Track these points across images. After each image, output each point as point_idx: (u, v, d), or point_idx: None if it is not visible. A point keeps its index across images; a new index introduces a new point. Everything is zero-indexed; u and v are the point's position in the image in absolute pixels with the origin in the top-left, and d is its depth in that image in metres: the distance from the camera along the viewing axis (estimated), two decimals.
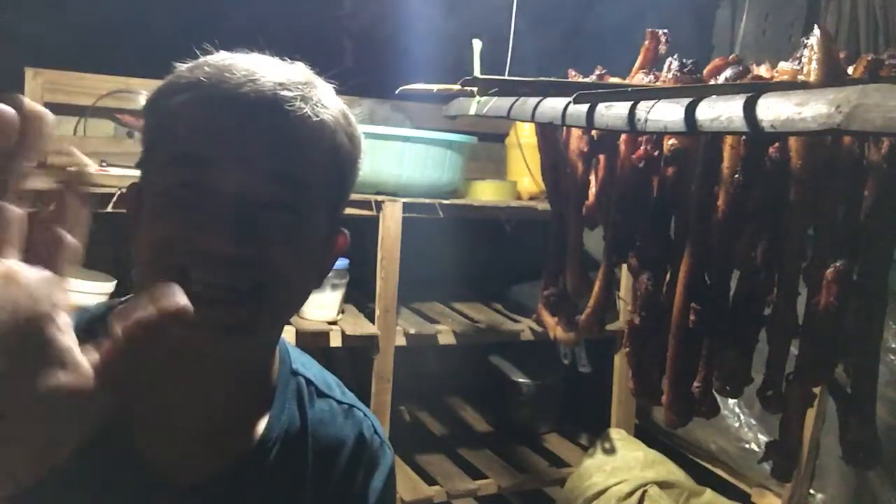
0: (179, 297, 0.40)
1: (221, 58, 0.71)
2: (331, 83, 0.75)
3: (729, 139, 1.03)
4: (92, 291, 1.62)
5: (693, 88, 0.98)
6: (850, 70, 0.93)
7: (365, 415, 0.88)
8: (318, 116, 0.70)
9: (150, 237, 0.68)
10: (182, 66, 0.72)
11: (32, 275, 0.36)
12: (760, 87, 0.86)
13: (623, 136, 1.23)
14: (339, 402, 0.86)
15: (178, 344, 0.68)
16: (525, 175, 2.18)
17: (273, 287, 0.69)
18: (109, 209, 1.52)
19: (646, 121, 0.96)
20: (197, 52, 0.73)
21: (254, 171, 0.67)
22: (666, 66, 1.13)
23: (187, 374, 0.72)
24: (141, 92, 1.98)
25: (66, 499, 0.70)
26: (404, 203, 1.85)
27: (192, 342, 0.67)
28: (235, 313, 0.67)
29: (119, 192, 1.54)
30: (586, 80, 1.27)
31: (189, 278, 0.66)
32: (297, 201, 0.70)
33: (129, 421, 0.72)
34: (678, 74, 1.10)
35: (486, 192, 2.11)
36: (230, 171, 0.67)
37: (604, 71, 1.28)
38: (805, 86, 0.87)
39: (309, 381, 0.84)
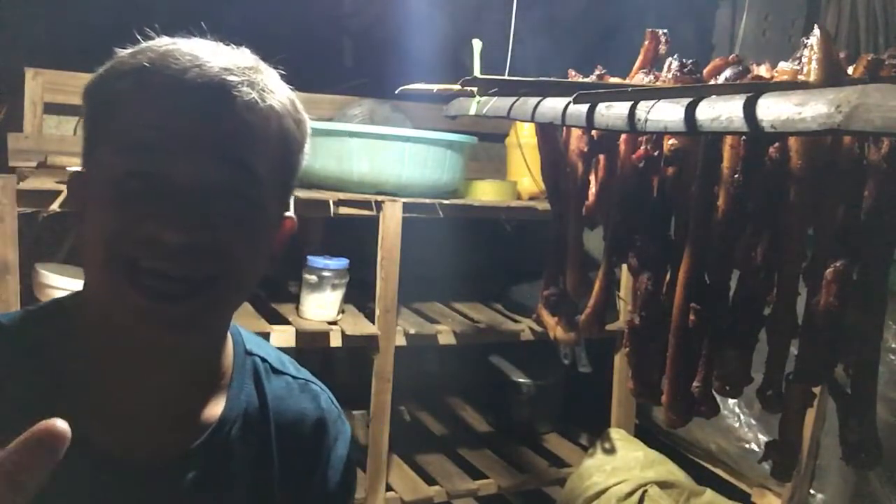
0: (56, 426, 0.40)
1: (164, 43, 0.71)
2: (279, 70, 0.75)
3: (729, 139, 1.03)
4: None
5: (693, 88, 0.98)
6: (850, 70, 0.93)
7: (321, 389, 0.90)
8: (265, 101, 0.69)
9: (99, 229, 0.67)
10: (123, 52, 0.71)
11: None
12: (760, 87, 0.86)
13: (623, 136, 1.23)
14: (295, 378, 0.87)
15: (130, 336, 0.68)
16: (525, 175, 2.18)
17: (225, 276, 0.69)
18: None
19: (646, 121, 0.96)
20: (139, 38, 0.72)
21: (202, 158, 0.67)
22: (666, 66, 1.13)
23: (141, 362, 0.72)
24: None
25: None
26: (404, 203, 1.85)
27: (144, 334, 0.68)
28: (187, 304, 0.67)
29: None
30: (586, 80, 1.27)
31: (139, 269, 0.65)
32: (247, 187, 0.69)
33: (84, 407, 0.71)
34: (678, 74, 1.10)
35: (486, 192, 2.11)
36: (178, 158, 0.66)
37: (604, 71, 1.28)
38: (805, 86, 0.87)
39: (264, 359, 0.85)
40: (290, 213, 0.80)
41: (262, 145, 0.71)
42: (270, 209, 0.74)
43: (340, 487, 0.88)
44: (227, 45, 0.72)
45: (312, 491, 0.86)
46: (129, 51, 0.71)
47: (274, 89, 0.72)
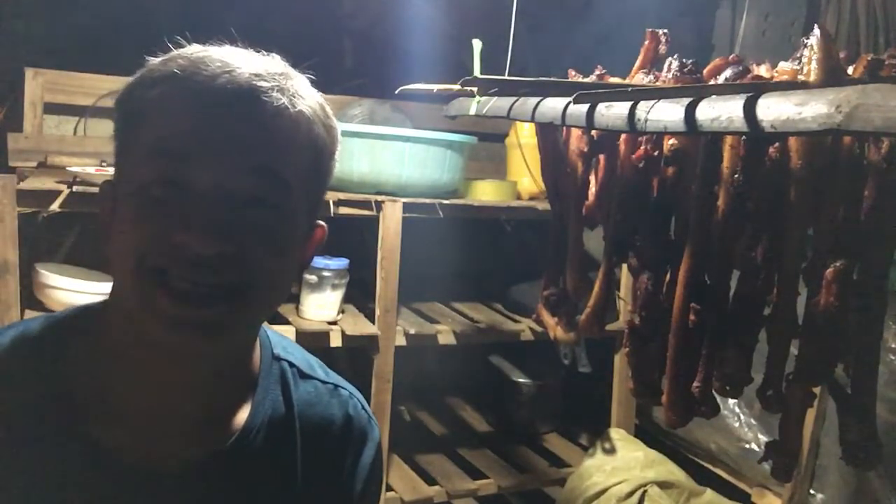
0: None
1: (195, 50, 0.70)
2: (308, 75, 0.74)
3: (729, 139, 1.03)
4: (92, 291, 1.62)
5: (693, 88, 0.98)
6: (850, 70, 0.93)
7: (351, 393, 0.88)
8: (295, 107, 0.69)
9: (126, 236, 0.66)
10: (154, 60, 0.71)
11: None
12: (760, 87, 0.86)
13: (623, 136, 1.23)
14: (324, 383, 0.86)
15: (158, 343, 0.67)
16: (525, 175, 2.18)
17: (253, 284, 0.68)
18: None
19: (646, 121, 0.96)
20: (170, 45, 0.72)
21: (231, 165, 0.66)
22: (666, 66, 1.13)
23: (167, 369, 0.71)
24: None
25: (45, 496, 0.69)
26: (404, 203, 1.85)
27: (172, 342, 0.67)
28: (215, 312, 0.67)
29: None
30: (586, 80, 1.27)
31: (167, 278, 0.65)
32: (276, 195, 0.69)
33: (107, 415, 0.71)
34: (678, 74, 1.10)
35: (486, 192, 2.11)
36: (207, 165, 0.66)
37: (604, 71, 1.28)
38: (805, 86, 0.87)
39: (292, 364, 0.84)
40: (322, 222, 0.79)
41: (292, 152, 0.70)
42: (300, 217, 0.73)
43: (366, 493, 0.87)
44: (258, 51, 0.72)
45: (337, 497, 0.85)
46: (159, 59, 0.70)
47: (304, 95, 0.71)
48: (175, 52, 0.70)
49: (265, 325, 0.84)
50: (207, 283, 0.66)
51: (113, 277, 0.71)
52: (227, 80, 0.66)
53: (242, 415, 0.78)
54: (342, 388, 0.88)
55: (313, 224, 0.78)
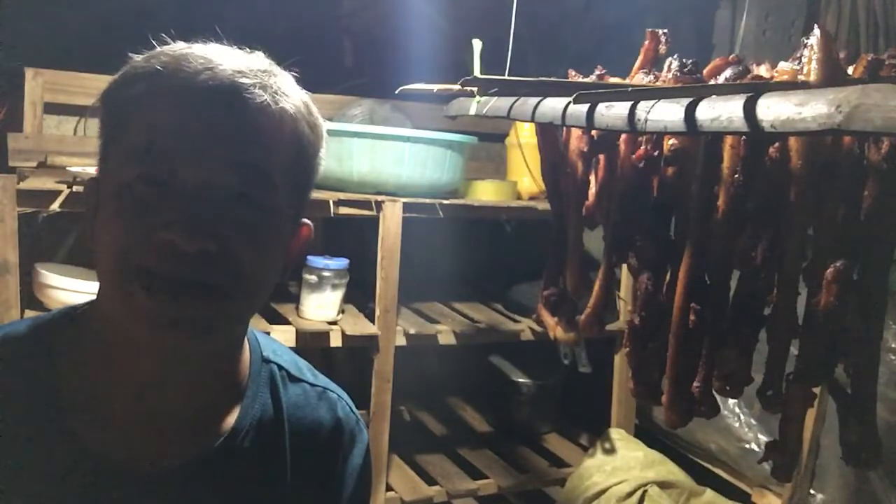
0: None
1: (178, 47, 0.70)
2: (293, 73, 0.74)
3: (729, 139, 1.03)
4: (91, 291, 1.61)
5: (693, 88, 0.98)
6: (850, 70, 0.93)
7: (339, 396, 0.89)
8: (277, 104, 0.69)
9: (111, 235, 0.66)
10: (137, 57, 0.71)
11: None
12: (760, 87, 0.86)
13: (623, 136, 1.23)
14: (313, 386, 0.86)
15: (142, 343, 0.68)
16: (525, 175, 2.18)
17: (238, 282, 0.68)
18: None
19: (646, 121, 0.96)
20: (153, 42, 0.71)
21: (213, 162, 0.66)
22: (666, 66, 1.13)
23: (153, 370, 0.71)
24: None
25: (32, 497, 0.69)
26: (404, 203, 1.85)
27: (154, 341, 0.67)
28: (200, 310, 0.66)
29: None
30: (586, 80, 1.27)
31: (152, 276, 0.65)
32: (260, 192, 0.68)
33: (94, 417, 0.71)
34: (678, 74, 1.10)
35: (486, 192, 2.11)
36: (189, 162, 0.66)
37: (604, 71, 1.28)
38: (805, 86, 0.87)
39: (281, 367, 0.84)
40: (307, 220, 0.79)
41: (275, 149, 0.70)
42: (284, 215, 0.72)
43: (356, 496, 0.87)
44: (242, 48, 0.71)
45: (327, 500, 0.85)
46: (142, 56, 0.70)
47: (288, 92, 0.71)
48: (158, 49, 0.70)
49: (254, 328, 0.84)
50: (190, 281, 0.65)
51: (98, 276, 0.71)
52: (208, 77, 0.66)
53: (231, 417, 0.78)
54: (331, 390, 0.88)
55: (299, 222, 0.78)
